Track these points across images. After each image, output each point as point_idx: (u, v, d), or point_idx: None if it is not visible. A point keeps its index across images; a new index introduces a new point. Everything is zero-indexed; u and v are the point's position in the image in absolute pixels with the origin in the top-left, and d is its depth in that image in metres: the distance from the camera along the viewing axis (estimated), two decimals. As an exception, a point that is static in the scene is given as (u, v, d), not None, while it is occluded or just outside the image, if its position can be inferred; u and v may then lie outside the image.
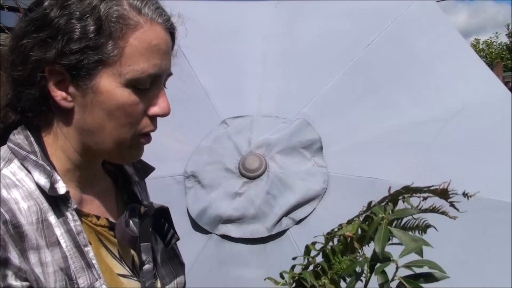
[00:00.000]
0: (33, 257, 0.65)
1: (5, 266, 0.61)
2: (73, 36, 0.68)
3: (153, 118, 0.75)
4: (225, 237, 1.47)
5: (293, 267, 0.73)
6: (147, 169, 0.93)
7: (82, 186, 0.78)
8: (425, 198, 0.64)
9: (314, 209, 1.45)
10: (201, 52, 1.77)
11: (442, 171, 1.43)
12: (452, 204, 0.63)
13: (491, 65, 12.86)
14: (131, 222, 0.79)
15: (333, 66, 1.69)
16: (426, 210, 0.63)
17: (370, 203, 0.69)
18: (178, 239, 0.89)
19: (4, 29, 3.96)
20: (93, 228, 0.76)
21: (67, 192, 0.71)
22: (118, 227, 0.78)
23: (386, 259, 0.58)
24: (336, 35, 1.76)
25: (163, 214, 0.87)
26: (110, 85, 0.70)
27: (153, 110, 0.74)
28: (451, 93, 1.61)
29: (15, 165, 0.71)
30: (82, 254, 0.70)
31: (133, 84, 0.71)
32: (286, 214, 1.45)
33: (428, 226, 0.65)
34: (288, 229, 1.44)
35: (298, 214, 1.45)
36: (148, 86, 0.72)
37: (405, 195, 0.64)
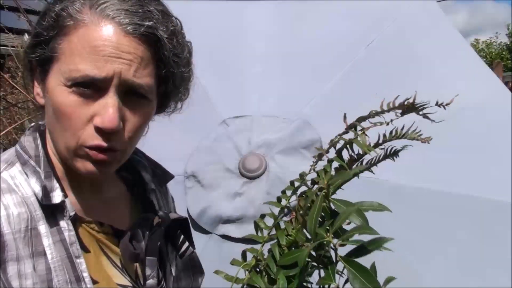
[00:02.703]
0: (11, 269, 0.62)
1: None
2: (36, 30, 0.69)
3: (100, 131, 0.67)
4: (225, 237, 1.47)
5: (244, 255, 0.69)
6: (167, 176, 0.91)
7: (86, 192, 0.76)
8: (388, 123, 0.57)
9: (314, 209, 1.45)
10: (201, 52, 1.77)
11: (442, 171, 1.43)
12: (426, 116, 0.57)
13: (491, 65, 12.85)
14: (141, 233, 0.76)
15: (333, 66, 1.69)
16: (387, 140, 0.58)
17: (320, 154, 0.61)
18: (192, 251, 0.86)
19: (4, 29, 3.95)
20: (95, 236, 0.74)
21: (63, 202, 0.69)
22: (122, 241, 0.75)
23: (320, 238, 0.51)
24: (336, 35, 1.76)
25: (181, 224, 0.85)
26: (54, 83, 0.68)
27: (95, 120, 0.67)
28: (451, 93, 1.60)
29: (16, 168, 0.70)
30: (73, 266, 0.67)
31: (71, 84, 0.66)
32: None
33: (397, 151, 0.58)
34: (288, 229, 1.44)
35: (298, 214, 1.45)
36: (90, 90, 0.66)
37: (358, 127, 0.59)
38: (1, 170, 0.69)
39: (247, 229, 1.45)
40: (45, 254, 0.66)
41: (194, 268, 0.91)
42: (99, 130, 0.67)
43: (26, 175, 0.70)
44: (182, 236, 0.86)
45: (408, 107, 0.53)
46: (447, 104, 0.52)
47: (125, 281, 0.77)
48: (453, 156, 1.47)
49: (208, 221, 1.48)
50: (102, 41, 0.65)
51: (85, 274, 0.69)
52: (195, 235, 1.50)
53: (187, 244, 0.86)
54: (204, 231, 1.49)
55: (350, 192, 1.53)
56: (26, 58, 0.71)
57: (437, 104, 0.53)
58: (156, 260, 0.79)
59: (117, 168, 0.77)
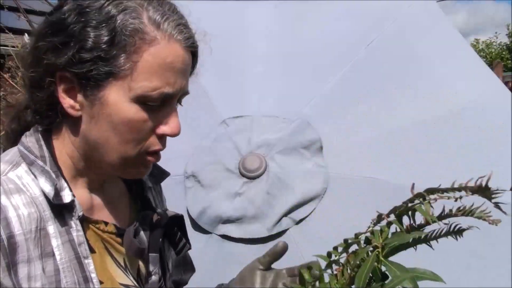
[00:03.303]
0: (21, 271, 0.62)
1: None
2: (85, 44, 0.66)
3: (161, 137, 0.73)
4: (225, 237, 1.47)
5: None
6: (163, 175, 0.91)
7: (91, 192, 0.76)
8: (456, 199, 0.54)
9: (314, 209, 1.45)
10: (201, 52, 1.77)
11: (442, 171, 1.43)
12: (497, 206, 0.53)
13: (491, 65, 12.85)
14: (141, 231, 0.78)
15: (333, 66, 1.69)
16: (452, 215, 0.55)
17: (380, 215, 0.59)
18: (189, 248, 0.88)
19: (4, 29, 3.95)
20: (100, 235, 0.75)
21: (72, 201, 0.69)
22: (126, 237, 0.76)
23: None
24: (337, 35, 1.76)
25: (177, 222, 0.86)
26: (118, 99, 0.68)
27: (162, 129, 0.72)
28: (451, 93, 1.61)
29: (22, 169, 0.69)
30: (81, 267, 0.68)
31: (143, 101, 0.68)
32: (286, 214, 1.45)
33: (462, 230, 0.55)
34: (288, 229, 1.44)
35: (298, 214, 1.45)
36: (159, 103, 0.70)
37: (426, 198, 0.54)
38: (6, 170, 0.69)
39: (247, 229, 1.45)
40: (53, 255, 0.66)
41: (185, 265, 0.91)
42: (161, 137, 0.73)
43: (33, 175, 0.69)
44: (179, 233, 0.87)
45: (480, 190, 0.52)
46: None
47: (128, 281, 0.77)
48: (453, 156, 1.47)
49: (208, 221, 1.48)
50: (174, 58, 0.69)
51: (93, 275, 0.69)
52: (195, 235, 1.50)
53: (183, 241, 0.87)
54: (204, 231, 1.49)
55: (350, 192, 1.54)
56: (67, 71, 0.68)
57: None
58: (158, 256, 0.80)
59: None
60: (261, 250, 1.50)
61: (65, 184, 0.70)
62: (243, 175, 1.51)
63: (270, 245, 1.51)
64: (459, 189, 0.53)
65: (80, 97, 0.70)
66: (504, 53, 22.66)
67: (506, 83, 7.96)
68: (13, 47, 4.36)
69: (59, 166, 0.72)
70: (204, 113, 1.68)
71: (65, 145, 0.74)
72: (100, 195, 0.78)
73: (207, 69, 1.76)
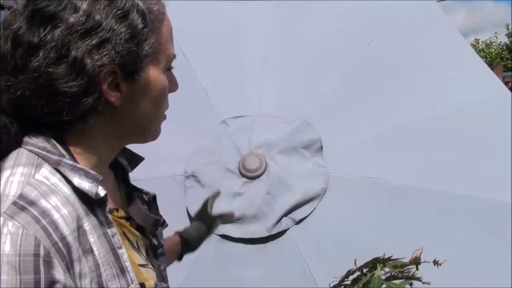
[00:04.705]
0: (76, 270, 0.62)
1: (51, 285, 0.58)
2: (125, 34, 0.67)
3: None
4: (225, 237, 1.47)
5: None
6: (137, 159, 0.92)
7: (102, 182, 0.75)
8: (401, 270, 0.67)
9: (314, 209, 1.45)
10: (201, 52, 1.77)
11: (442, 171, 1.43)
12: (417, 278, 0.67)
13: (491, 65, 12.85)
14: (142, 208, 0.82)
15: (333, 66, 1.69)
16: (397, 278, 0.65)
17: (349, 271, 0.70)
18: (167, 225, 0.91)
19: (4, 29, 3.95)
20: (118, 221, 0.75)
21: (106, 195, 0.69)
22: (139, 214, 0.80)
23: None
24: (336, 35, 1.76)
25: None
26: (156, 74, 0.74)
27: (171, 87, 0.79)
28: (451, 93, 1.61)
29: (46, 170, 0.67)
30: (117, 258, 0.69)
31: (168, 68, 0.76)
32: (286, 214, 1.45)
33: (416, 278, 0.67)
34: (288, 229, 1.44)
35: (298, 214, 1.45)
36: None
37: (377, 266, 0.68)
38: (33, 173, 0.66)
39: (247, 229, 1.45)
40: (92, 251, 0.66)
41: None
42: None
43: (61, 174, 0.67)
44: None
45: (412, 261, 0.68)
46: (440, 264, 0.66)
47: (142, 261, 0.78)
48: (453, 156, 1.47)
49: (208, 221, 1.48)
50: (170, 25, 0.77)
51: (127, 264, 0.70)
52: (195, 235, 1.50)
53: (162, 218, 0.90)
54: (204, 231, 1.50)
55: (350, 192, 1.54)
56: (107, 67, 0.67)
57: (434, 262, 0.67)
58: (162, 230, 0.86)
59: None
60: (261, 250, 1.51)
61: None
62: (243, 175, 1.51)
63: (270, 245, 1.51)
64: (399, 264, 0.65)
65: (124, 86, 0.70)
66: (504, 53, 22.66)
67: (506, 83, 7.96)
68: (13, 47, 4.36)
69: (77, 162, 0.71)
70: (204, 113, 1.69)
71: (90, 138, 0.72)
72: (108, 184, 0.78)
73: (207, 69, 1.76)
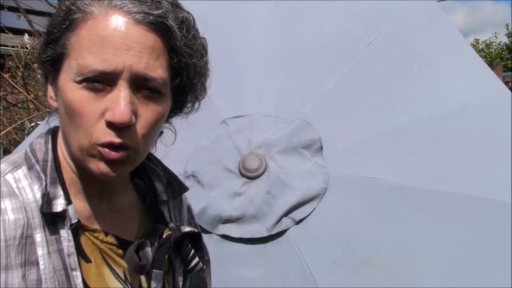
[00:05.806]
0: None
1: None
2: (48, 29, 0.67)
3: (112, 126, 0.64)
4: (225, 237, 1.47)
5: None
6: (182, 189, 0.87)
7: (95, 199, 0.73)
8: None
9: (314, 209, 1.45)
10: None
11: (442, 171, 1.43)
12: None
13: (491, 65, 12.84)
14: (148, 246, 0.73)
15: (333, 66, 1.69)
16: None
17: None
18: (202, 267, 0.83)
19: (4, 29, 3.96)
20: (98, 245, 0.71)
21: (64, 211, 0.66)
22: (128, 250, 0.72)
23: None
24: (336, 34, 1.76)
25: (193, 238, 0.82)
26: (64, 80, 0.65)
27: (106, 114, 0.63)
28: (451, 92, 1.61)
29: (22, 171, 0.67)
30: (68, 279, 0.64)
31: (81, 80, 0.63)
32: (286, 214, 1.45)
33: None
34: (288, 229, 1.44)
35: (298, 214, 1.45)
36: (100, 84, 0.63)
37: None
38: (6, 171, 0.66)
39: (247, 229, 1.45)
40: (37, 264, 0.63)
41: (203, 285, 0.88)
42: (110, 125, 0.63)
43: (31, 179, 0.67)
44: (192, 251, 0.82)
45: None
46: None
47: None
48: (453, 156, 1.47)
49: (208, 221, 1.48)
50: (110, 32, 0.62)
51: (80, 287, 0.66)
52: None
53: (196, 259, 0.82)
54: (204, 231, 1.49)
55: (350, 192, 1.54)
56: (40, 62, 0.67)
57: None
58: (161, 273, 0.75)
59: (131, 174, 0.75)
60: (261, 250, 1.51)
61: (61, 192, 0.67)
62: (243, 175, 1.51)
63: (270, 245, 1.51)
64: None
65: (49, 87, 0.69)
66: (504, 53, 22.66)
67: (506, 83, 7.96)
68: (13, 47, 4.36)
69: (60, 171, 0.69)
70: (204, 113, 1.68)
71: (62, 146, 0.72)
72: (106, 204, 0.75)
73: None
